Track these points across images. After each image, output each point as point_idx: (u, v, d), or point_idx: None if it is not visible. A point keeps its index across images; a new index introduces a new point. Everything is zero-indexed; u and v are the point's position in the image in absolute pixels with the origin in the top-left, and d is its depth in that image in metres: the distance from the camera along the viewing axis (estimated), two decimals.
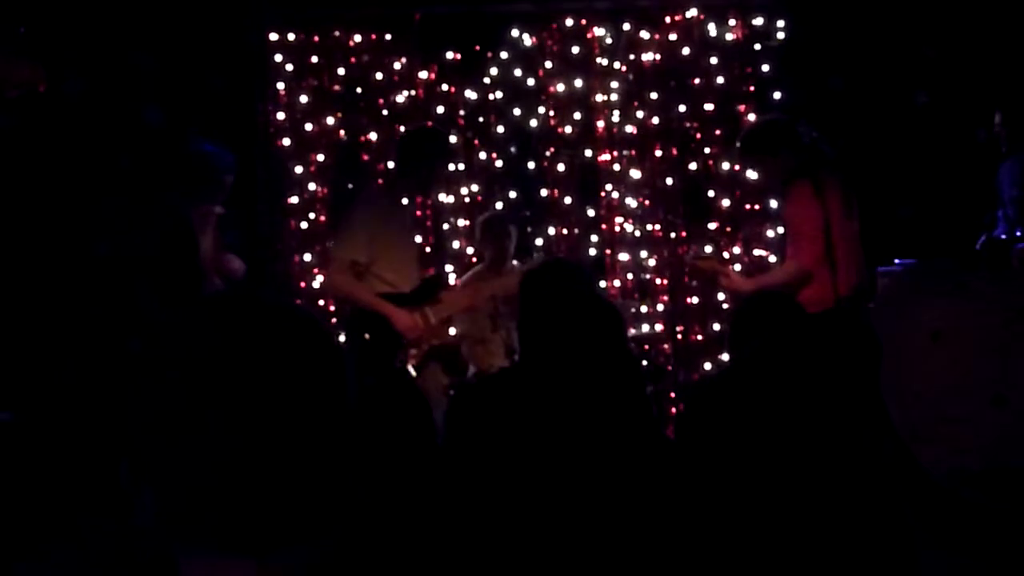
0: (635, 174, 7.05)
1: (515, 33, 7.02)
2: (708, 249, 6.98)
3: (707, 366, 6.90)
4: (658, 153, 7.09)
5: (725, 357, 6.52)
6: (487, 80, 7.08)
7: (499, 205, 7.10)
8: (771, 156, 5.48)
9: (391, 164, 6.57)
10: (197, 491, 1.16)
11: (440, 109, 7.09)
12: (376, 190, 5.54)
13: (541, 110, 7.08)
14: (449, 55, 7.12)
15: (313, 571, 1.22)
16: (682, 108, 7.03)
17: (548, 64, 7.07)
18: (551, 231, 7.13)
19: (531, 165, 7.17)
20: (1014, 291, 1.28)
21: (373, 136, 7.05)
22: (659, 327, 7.04)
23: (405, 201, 5.62)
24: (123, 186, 6.19)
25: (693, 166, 7.03)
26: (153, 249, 5.11)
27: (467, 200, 7.18)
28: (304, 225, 7.08)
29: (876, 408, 1.32)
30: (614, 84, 7.04)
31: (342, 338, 5.56)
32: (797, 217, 5.41)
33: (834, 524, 2.17)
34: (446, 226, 7.15)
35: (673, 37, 7.01)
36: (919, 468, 1.27)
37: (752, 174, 6.27)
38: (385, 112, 7.07)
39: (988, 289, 1.28)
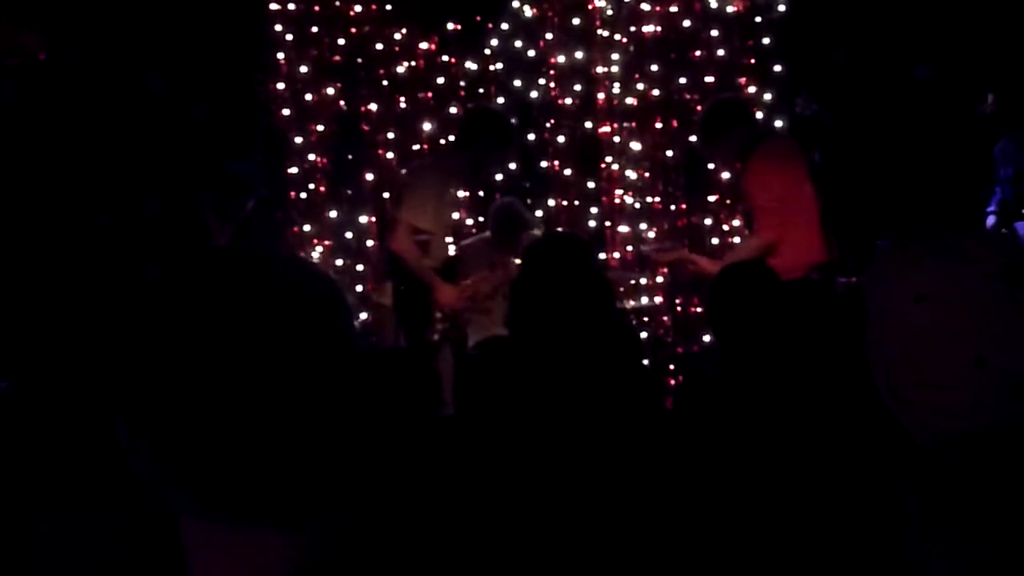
0: (635, 146, 7.03)
1: (516, 4, 6.99)
2: (708, 221, 7.00)
3: (706, 338, 6.90)
4: (658, 125, 7.07)
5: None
6: (487, 51, 7.06)
7: (499, 177, 7.09)
8: (725, 136, 5.53)
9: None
10: (208, 454, 1.08)
11: (440, 80, 7.08)
12: (438, 161, 5.57)
13: (541, 81, 7.05)
14: (450, 26, 7.11)
15: (334, 543, 1.16)
16: (683, 80, 7.01)
17: (549, 35, 7.03)
18: (551, 203, 7.11)
19: (531, 137, 7.16)
20: (998, 251, 1.27)
21: (373, 107, 7.04)
22: (658, 299, 7.04)
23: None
24: (128, 157, 6.21)
25: (693, 138, 7.01)
26: (160, 221, 5.16)
27: None
28: (304, 195, 7.08)
29: (861, 376, 1.32)
30: (615, 56, 7.00)
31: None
32: (755, 190, 5.45)
33: (828, 492, 2.19)
34: None
35: (674, 9, 6.98)
36: (905, 434, 1.27)
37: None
38: (385, 83, 7.06)
39: (973, 250, 1.27)
